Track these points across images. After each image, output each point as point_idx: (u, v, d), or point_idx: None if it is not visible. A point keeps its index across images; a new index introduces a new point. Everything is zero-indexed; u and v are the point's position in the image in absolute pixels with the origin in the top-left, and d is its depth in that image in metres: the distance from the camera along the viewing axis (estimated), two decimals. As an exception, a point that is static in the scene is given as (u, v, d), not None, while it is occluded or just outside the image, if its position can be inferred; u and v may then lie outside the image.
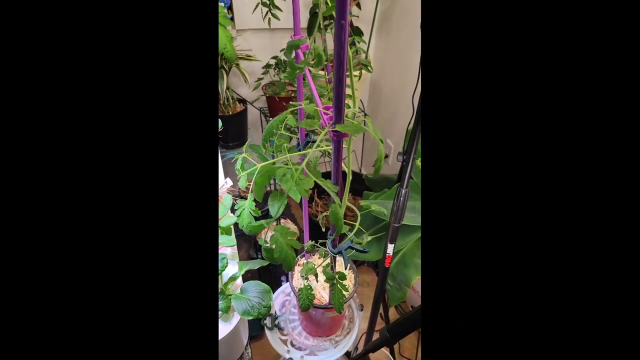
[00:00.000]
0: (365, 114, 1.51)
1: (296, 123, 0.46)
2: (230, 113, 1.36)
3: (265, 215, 1.41)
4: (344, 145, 0.42)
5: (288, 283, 0.82)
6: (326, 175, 1.62)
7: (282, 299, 0.92)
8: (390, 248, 0.77)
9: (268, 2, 1.09)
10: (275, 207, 0.57)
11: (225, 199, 0.63)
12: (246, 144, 0.60)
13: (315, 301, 0.77)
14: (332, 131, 0.39)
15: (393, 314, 1.31)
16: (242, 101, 1.41)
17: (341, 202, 0.41)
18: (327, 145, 0.48)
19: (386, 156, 1.69)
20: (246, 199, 0.54)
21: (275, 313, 0.88)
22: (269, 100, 1.43)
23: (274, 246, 0.41)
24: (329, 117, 0.41)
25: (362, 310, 0.89)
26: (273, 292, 0.84)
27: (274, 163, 0.49)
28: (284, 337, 0.84)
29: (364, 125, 0.41)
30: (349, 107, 0.43)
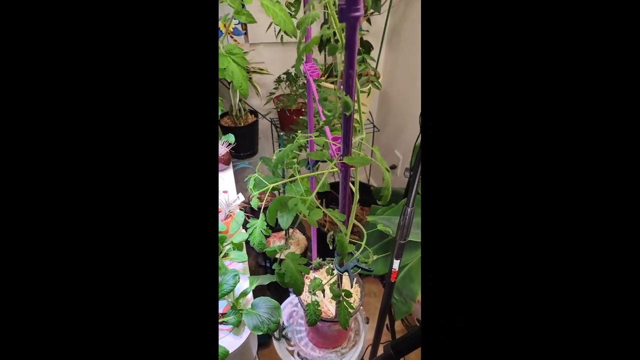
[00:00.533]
0: (374, 126, 1.53)
1: (307, 154, 0.48)
2: (242, 124, 1.40)
3: (275, 225, 1.43)
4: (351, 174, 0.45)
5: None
6: (334, 186, 1.63)
7: (290, 309, 0.94)
8: (396, 264, 0.79)
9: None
10: (284, 220, 0.60)
11: (237, 216, 0.66)
12: (258, 165, 0.63)
13: (322, 314, 0.80)
14: (341, 163, 0.41)
15: (399, 326, 1.32)
16: (254, 112, 1.45)
17: (347, 228, 0.43)
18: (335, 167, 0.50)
19: (394, 167, 1.71)
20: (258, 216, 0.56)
21: (283, 324, 0.90)
22: (280, 111, 1.47)
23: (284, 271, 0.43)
24: (337, 148, 0.43)
25: (367, 322, 0.91)
26: (281, 302, 0.86)
27: (284, 181, 0.52)
28: (291, 348, 0.86)
29: (371, 155, 0.43)
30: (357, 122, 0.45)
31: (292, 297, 0.96)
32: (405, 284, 0.89)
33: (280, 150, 1.19)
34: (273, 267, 0.47)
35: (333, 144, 0.43)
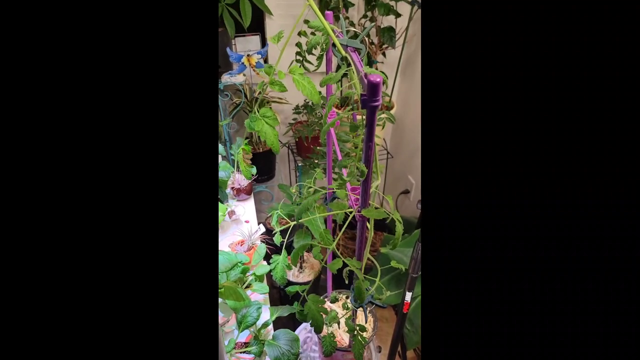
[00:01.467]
0: (388, 152, 1.58)
1: (328, 204, 0.53)
2: (261, 150, 1.46)
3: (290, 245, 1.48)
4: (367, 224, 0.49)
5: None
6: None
7: (304, 335, 0.98)
8: (408, 296, 0.82)
9: (301, 58, 1.20)
10: (299, 244, 0.65)
11: (260, 248, 0.71)
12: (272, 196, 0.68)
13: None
14: (359, 215, 0.46)
15: (410, 353, 1.33)
16: (272, 139, 1.52)
17: (361, 270, 0.47)
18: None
19: (407, 191, 1.74)
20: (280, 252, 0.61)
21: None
22: (298, 138, 1.53)
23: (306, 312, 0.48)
24: (356, 198, 0.48)
25: (380, 351, 0.93)
26: (296, 327, 0.90)
27: (298, 205, 0.56)
28: (305, 374, 0.89)
29: (386, 208, 0.48)
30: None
31: (307, 324, 1.00)
32: (417, 314, 0.92)
33: (298, 184, 1.23)
34: (294, 305, 0.52)
35: (352, 195, 0.48)
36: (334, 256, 0.49)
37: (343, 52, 0.43)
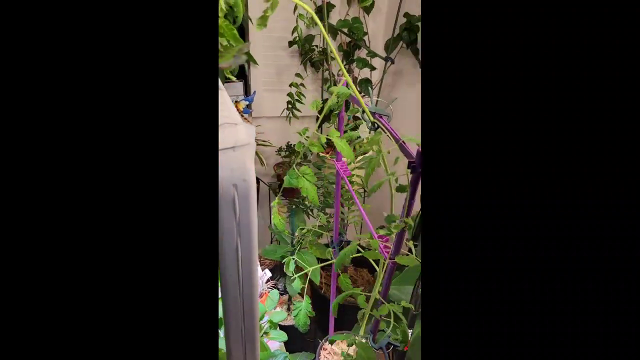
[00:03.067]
0: (365, 190, 1.66)
1: (335, 249, 0.58)
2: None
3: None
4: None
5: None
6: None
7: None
8: (408, 333, 0.86)
9: (291, 106, 1.27)
10: (293, 288, 0.67)
11: (272, 294, 0.72)
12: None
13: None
14: (391, 261, 0.50)
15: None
16: (257, 179, 1.54)
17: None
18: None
19: (383, 227, 1.82)
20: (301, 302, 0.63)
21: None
22: (279, 178, 1.57)
23: None
24: (385, 246, 0.53)
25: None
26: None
27: (294, 246, 0.60)
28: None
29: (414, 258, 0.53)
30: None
31: None
32: (415, 352, 0.95)
33: (289, 221, 1.25)
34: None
35: (382, 244, 0.53)
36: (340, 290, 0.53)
37: (372, 118, 0.50)
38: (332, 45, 0.77)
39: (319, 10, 1.24)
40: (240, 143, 0.25)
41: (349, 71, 1.42)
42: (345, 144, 0.49)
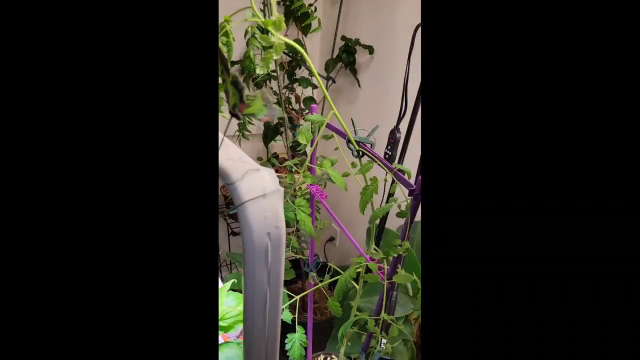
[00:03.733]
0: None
1: (311, 271, 0.57)
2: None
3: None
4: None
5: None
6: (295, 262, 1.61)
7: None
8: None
9: (241, 127, 1.25)
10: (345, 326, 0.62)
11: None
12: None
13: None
14: (389, 282, 0.50)
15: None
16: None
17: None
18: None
19: (332, 239, 1.82)
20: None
21: None
22: (226, 199, 1.53)
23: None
24: (379, 267, 0.51)
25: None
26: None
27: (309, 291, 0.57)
28: None
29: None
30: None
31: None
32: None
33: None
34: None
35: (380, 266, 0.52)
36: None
37: (357, 147, 0.50)
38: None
39: (262, 31, 1.23)
40: (269, 190, 0.25)
41: (291, 90, 1.41)
42: (338, 175, 0.49)
